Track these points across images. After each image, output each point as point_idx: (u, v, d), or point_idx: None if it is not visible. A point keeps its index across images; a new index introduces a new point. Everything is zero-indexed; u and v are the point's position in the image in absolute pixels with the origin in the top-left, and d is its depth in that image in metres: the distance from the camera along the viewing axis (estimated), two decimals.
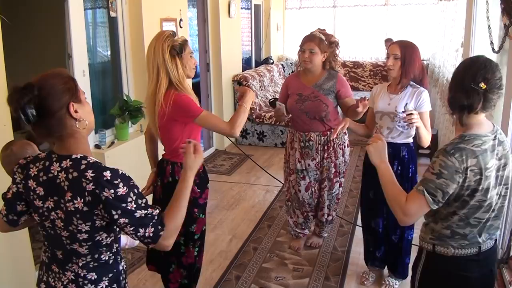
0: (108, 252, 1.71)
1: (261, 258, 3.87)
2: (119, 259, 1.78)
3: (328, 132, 3.60)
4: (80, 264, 1.67)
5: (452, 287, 1.96)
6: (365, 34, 9.27)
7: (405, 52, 3.02)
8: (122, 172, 1.59)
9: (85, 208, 1.55)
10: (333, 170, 3.68)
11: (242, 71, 7.60)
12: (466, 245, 1.89)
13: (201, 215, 2.81)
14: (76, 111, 1.60)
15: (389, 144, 3.09)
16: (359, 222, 3.96)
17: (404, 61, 3.01)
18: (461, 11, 5.06)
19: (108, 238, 1.68)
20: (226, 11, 6.78)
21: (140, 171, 2.96)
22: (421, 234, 2.05)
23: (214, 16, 6.60)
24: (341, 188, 3.84)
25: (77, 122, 1.61)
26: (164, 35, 2.62)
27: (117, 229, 1.71)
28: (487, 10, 3.53)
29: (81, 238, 1.62)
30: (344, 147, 3.70)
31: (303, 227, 3.96)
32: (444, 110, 5.51)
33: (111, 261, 1.73)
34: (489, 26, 3.51)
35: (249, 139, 7.23)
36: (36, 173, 1.64)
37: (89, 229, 1.60)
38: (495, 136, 1.84)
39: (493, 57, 3.62)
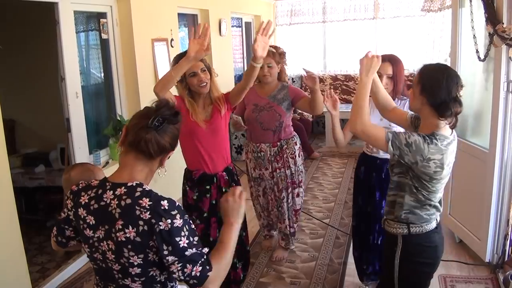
0: None
1: (258, 272, 3.87)
2: None
3: (278, 143, 3.77)
4: None
5: (427, 259, 2.22)
6: (356, 48, 9.32)
7: (396, 70, 2.97)
8: (178, 204, 1.55)
9: (137, 239, 1.49)
10: (289, 180, 3.83)
11: None
12: (431, 219, 2.19)
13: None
14: (166, 159, 1.67)
15: (382, 159, 3.12)
16: None
17: (396, 79, 2.97)
18: (448, 22, 5.14)
19: (162, 275, 1.60)
20: (217, 29, 6.86)
21: None
22: (390, 219, 2.26)
23: None
24: (299, 199, 3.96)
25: (160, 167, 1.69)
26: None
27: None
28: (472, 19, 3.59)
29: (133, 273, 1.55)
30: (295, 156, 3.82)
31: (269, 229, 4.22)
32: None
33: None
34: (474, 35, 3.56)
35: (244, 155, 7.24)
36: (87, 201, 1.60)
37: (141, 262, 1.53)
38: (454, 137, 2.12)
39: (479, 65, 3.69)
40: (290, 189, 3.86)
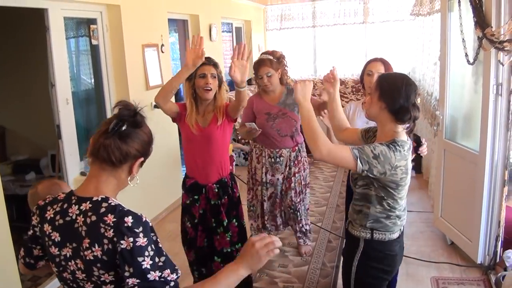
0: None
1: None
2: None
3: (296, 148, 3.86)
4: None
5: (385, 266, 2.27)
6: (346, 52, 9.39)
7: (387, 69, 3.05)
8: (145, 220, 1.43)
9: (104, 257, 1.39)
10: (303, 182, 3.94)
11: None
12: (394, 229, 2.23)
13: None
14: (136, 167, 1.56)
15: None
16: None
17: None
18: (437, 26, 5.16)
19: None
20: (208, 34, 6.86)
21: (125, 197, 2.96)
22: (355, 223, 2.29)
23: None
24: (309, 197, 4.11)
25: (130, 176, 1.57)
26: None
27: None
28: (461, 23, 3.61)
29: None
30: (307, 158, 4.00)
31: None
32: (426, 121, 5.59)
33: None
34: (463, 39, 3.59)
35: (236, 160, 7.25)
36: (52, 216, 1.50)
37: (113, 279, 1.42)
38: (410, 143, 2.18)
39: (469, 68, 3.72)
40: (305, 190, 3.97)
